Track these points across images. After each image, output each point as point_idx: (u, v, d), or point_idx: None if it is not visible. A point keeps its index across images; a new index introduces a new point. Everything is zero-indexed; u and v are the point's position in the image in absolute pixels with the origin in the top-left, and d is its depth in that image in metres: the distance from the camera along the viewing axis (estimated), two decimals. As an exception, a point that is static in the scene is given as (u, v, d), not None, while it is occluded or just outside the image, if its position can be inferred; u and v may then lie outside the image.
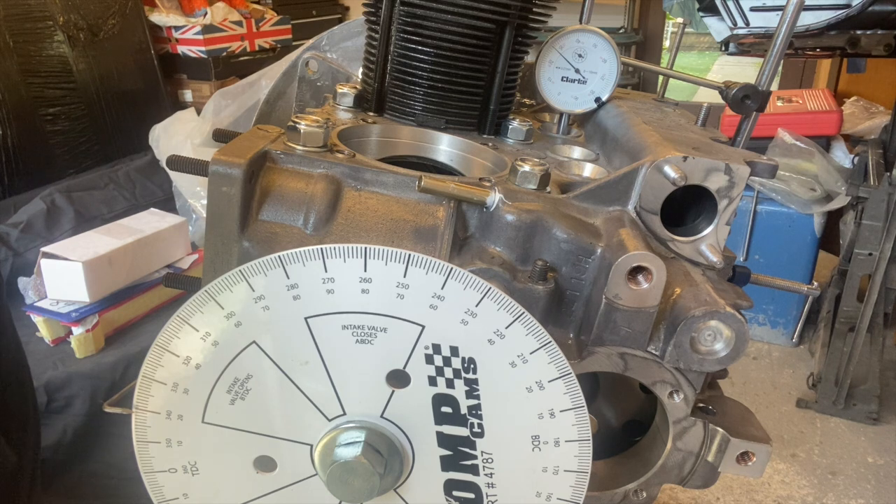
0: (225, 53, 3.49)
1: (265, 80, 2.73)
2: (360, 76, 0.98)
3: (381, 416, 0.62)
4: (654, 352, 0.64)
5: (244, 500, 0.65)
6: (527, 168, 0.68)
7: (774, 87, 4.12)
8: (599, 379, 0.82)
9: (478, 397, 0.61)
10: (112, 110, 2.99)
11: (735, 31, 2.20)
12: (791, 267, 3.16)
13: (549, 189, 0.70)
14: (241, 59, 3.60)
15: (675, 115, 0.92)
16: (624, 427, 0.83)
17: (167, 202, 2.66)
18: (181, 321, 0.59)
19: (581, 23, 0.94)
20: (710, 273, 0.69)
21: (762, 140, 3.19)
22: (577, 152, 0.89)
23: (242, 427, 0.62)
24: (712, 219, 0.68)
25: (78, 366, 1.75)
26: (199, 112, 2.84)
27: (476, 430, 0.62)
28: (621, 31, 4.78)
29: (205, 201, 1.42)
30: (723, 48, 2.68)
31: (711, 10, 2.33)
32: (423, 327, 0.59)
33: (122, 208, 2.50)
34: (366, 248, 0.56)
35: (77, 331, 1.77)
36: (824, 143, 3.25)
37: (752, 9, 2.13)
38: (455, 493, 0.65)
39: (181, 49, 3.42)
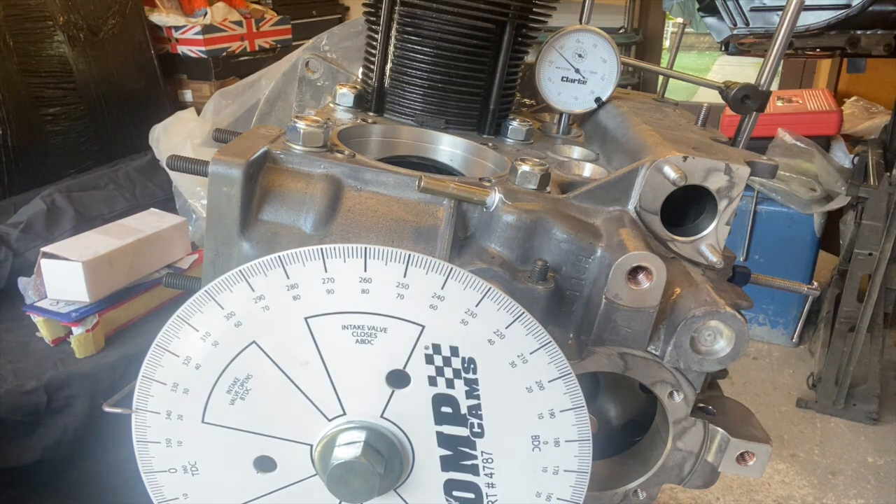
0: (225, 53, 3.49)
1: (265, 80, 2.73)
2: (360, 76, 0.98)
3: (381, 416, 0.62)
4: (654, 352, 0.64)
5: (244, 500, 0.65)
6: (527, 168, 0.68)
7: (774, 87, 4.12)
8: (600, 379, 0.82)
9: (478, 397, 0.61)
10: (112, 110, 2.99)
11: (735, 31, 2.20)
12: (791, 267, 3.16)
13: (549, 189, 0.70)
14: (241, 59, 3.60)
15: (675, 115, 0.92)
16: (624, 427, 0.83)
17: (167, 202, 2.66)
18: (181, 321, 0.59)
19: (581, 23, 0.94)
20: (710, 273, 0.69)
21: (762, 140, 3.19)
22: (577, 152, 0.89)
23: (242, 427, 0.62)
24: (712, 219, 0.68)
25: (78, 366, 1.75)
26: (199, 112, 2.84)
27: (476, 430, 0.62)
28: (621, 31, 4.78)
29: (205, 201, 1.42)
30: (723, 48, 2.68)
31: (711, 10, 2.33)
32: (423, 327, 0.59)
33: (122, 208, 2.50)
34: (366, 248, 0.56)
35: (77, 331, 1.77)
36: (824, 143, 3.25)
37: (752, 9, 2.13)
38: (455, 493, 0.65)
39: (181, 49, 3.42)
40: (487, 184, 0.68)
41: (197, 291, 0.58)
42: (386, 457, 0.62)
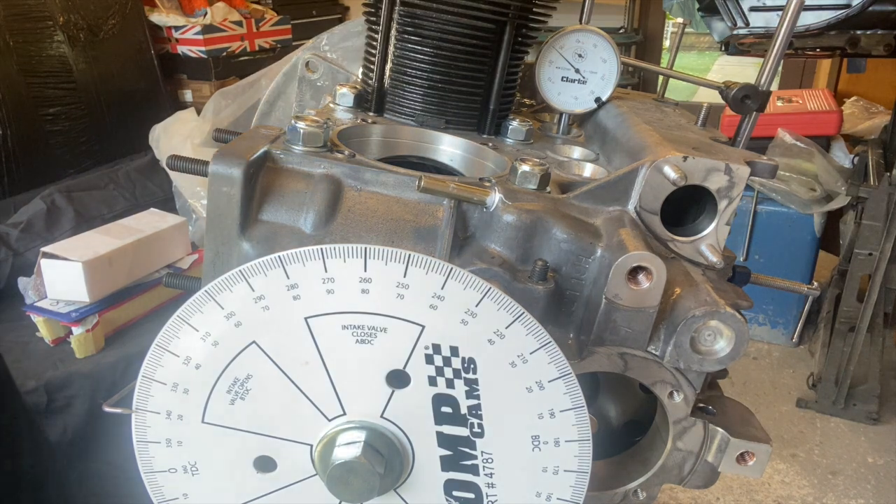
0: (225, 53, 3.49)
1: (265, 80, 2.73)
2: (360, 76, 0.98)
3: (381, 416, 0.62)
4: (654, 352, 0.64)
5: (244, 500, 0.65)
6: (527, 168, 0.68)
7: (774, 87, 4.12)
8: (600, 379, 0.82)
9: (478, 397, 0.61)
10: (112, 110, 2.99)
11: (735, 31, 2.20)
12: (791, 267, 3.16)
13: (549, 189, 0.70)
14: (241, 59, 3.60)
15: (675, 115, 0.92)
16: (624, 427, 0.83)
17: (167, 202, 2.66)
18: (181, 321, 0.59)
19: (581, 23, 0.94)
20: (710, 273, 0.69)
21: (762, 140, 3.19)
22: (577, 152, 0.89)
23: (242, 427, 0.62)
24: (712, 219, 0.68)
25: (78, 366, 1.75)
26: (199, 112, 2.84)
27: (476, 430, 0.62)
28: (621, 31, 4.78)
29: (205, 201, 1.42)
30: (723, 48, 2.69)
31: (711, 10, 2.33)
32: (423, 327, 0.59)
33: (122, 208, 2.50)
34: (366, 248, 0.56)
35: (77, 331, 1.77)
36: (824, 143, 3.25)
37: (752, 9, 2.13)
38: (455, 493, 0.65)
39: (181, 49, 3.42)
40: (487, 184, 0.68)
41: (197, 291, 0.58)
42: (386, 457, 0.62)
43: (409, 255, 0.56)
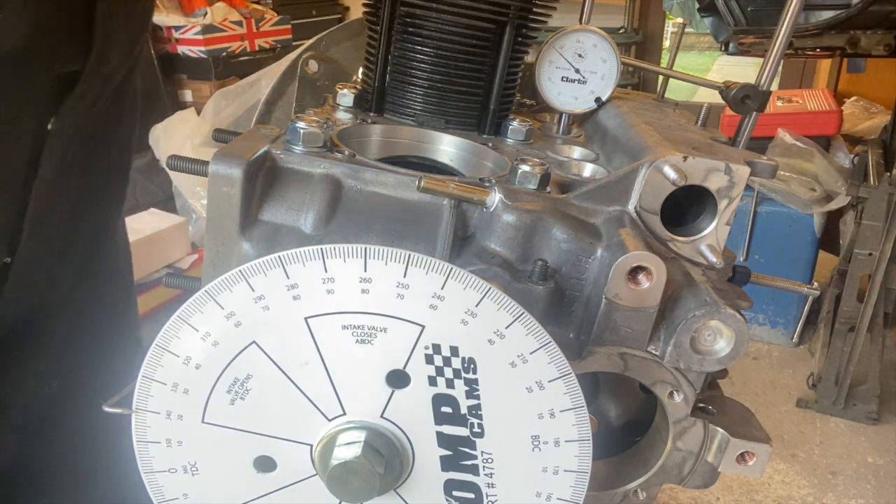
0: (225, 53, 3.49)
1: (265, 80, 2.73)
2: (360, 76, 0.98)
3: (381, 416, 0.62)
4: (654, 352, 0.64)
5: (244, 500, 0.65)
6: (527, 168, 0.68)
7: (774, 87, 4.12)
8: (600, 379, 0.82)
9: (478, 397, 0.61)
10: (112, 110, 2.98)
11: (735, 31, 2.20)
12: (791, 267, 3.16)
13: (549, 189, 0.70)
14: (241, 59, 3.60)
15: (675, 115, 0.92)
16: (624, 427, 0.83)
17: (167, 202, 2.66)
18: (181, 321, 0.59)
19: (581, 23, 0.94)
20: (710, 273, 0.69)
21: (762, 140, 3.19)
22: (577, 152, 0.89)
23: (242, 427, 0.62)
24: (712, 219, 0.68)
25: (78, 366, 1.75)
26: (199, 112, 2.84)
27: (476, 430, 0.62)
28: (621, 31, 4.79)
29: (205, 201, 1.42)
30: (723, 48, 2.69)
31: (711, 10, 2.34)
32: (423, 327, 0.59)
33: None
34: (366, 248, 0.56)
35: (77, 331, 1.77)
36: (824, 143, 3.25)
37: (752, 9, 2.13)
38: (455, 493, 0.65)
39: (181, 49, 3.42)
40: (487, 184, 0.68)
41: (197, 291, 0.58)
42: (386, 457, 0.62)
43: (409, 255, 0.56)
